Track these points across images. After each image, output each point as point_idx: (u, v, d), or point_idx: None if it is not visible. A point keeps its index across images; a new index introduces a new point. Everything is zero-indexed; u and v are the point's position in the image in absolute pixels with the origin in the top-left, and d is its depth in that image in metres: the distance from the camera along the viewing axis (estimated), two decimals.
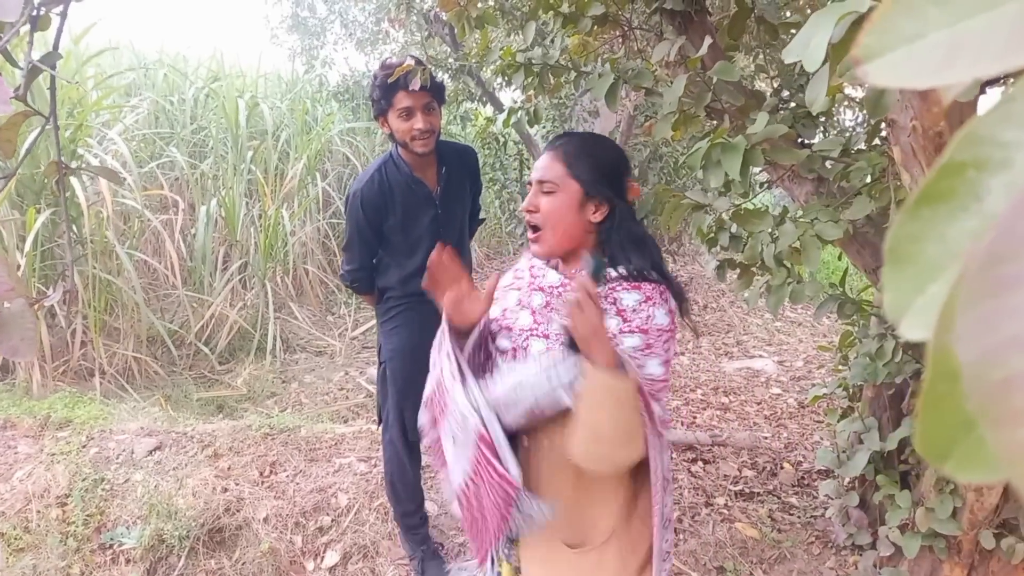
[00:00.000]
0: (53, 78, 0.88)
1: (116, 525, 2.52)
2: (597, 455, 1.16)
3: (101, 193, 4.15)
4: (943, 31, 0.21)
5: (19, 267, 3.69)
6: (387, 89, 2.03)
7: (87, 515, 2.55)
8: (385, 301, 2.30)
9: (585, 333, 1.10)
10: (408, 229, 2.19)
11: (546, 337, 1.29)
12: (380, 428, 2.44)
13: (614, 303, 1.23)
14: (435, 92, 2.09)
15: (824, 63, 0.72)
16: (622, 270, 1.26)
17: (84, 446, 2.87)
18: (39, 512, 2.56)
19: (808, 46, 0.68)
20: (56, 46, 0.89)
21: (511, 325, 1.35)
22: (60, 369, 3.95)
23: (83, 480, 2.66)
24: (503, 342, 1.36)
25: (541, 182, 1.30)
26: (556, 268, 1.36)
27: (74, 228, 4.29)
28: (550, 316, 1.31)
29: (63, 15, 0.88)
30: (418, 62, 2.00)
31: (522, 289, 1.39)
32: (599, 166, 1.29)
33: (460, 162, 2.29)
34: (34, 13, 0.79)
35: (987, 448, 0.17)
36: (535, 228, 1.31)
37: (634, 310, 1.21)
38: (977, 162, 0.19)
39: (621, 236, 1.29)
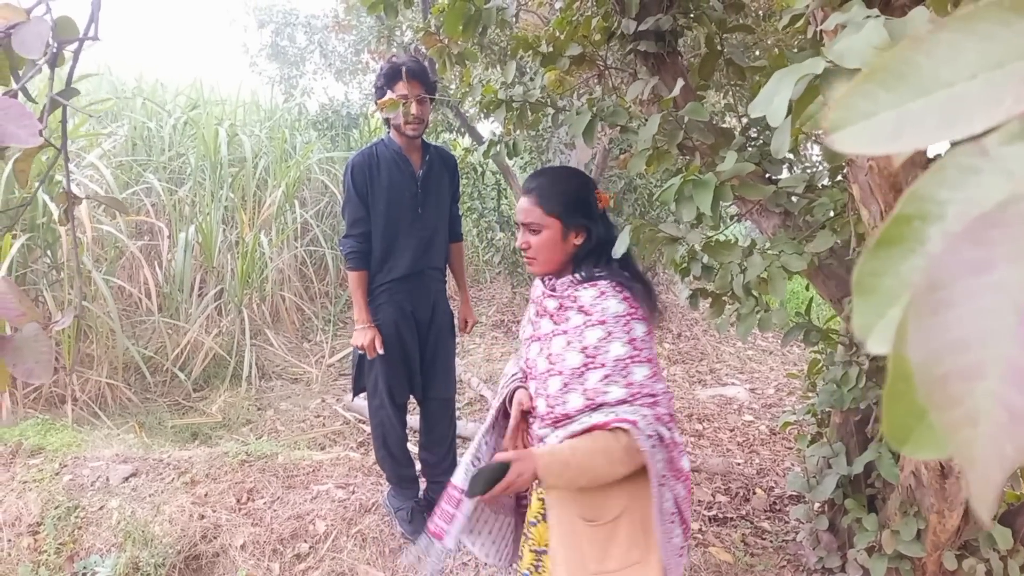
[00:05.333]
0: (65, 111, 0.93)
1: (90, 553, 2.49)
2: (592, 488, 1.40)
3: (77, 218, 4.13)
4: (891, 111, 0.28)
5: None
6: (389, 77, 2.35)
7: (60, 543, 2.52)
8: (371, 280, 2.51)
9: (521, 485, 1.32)
10: (391, 201, 2.44)
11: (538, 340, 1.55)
12: (370, 404, 2.63)
13: (575, 301, 1.44)
14: (428, 87, 2.40)
15: (786, 116, 0.80)
16: (585, 273, 1.48)
17: (57, 473, 2.83)
18: (10, 541, 2.52)
19: (772, 103, 0.76)
20: (69, 81, 0.94)
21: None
22: (31, 396, 3.90)
23: (56, 508, 2.63)
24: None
25: (526, 224, 1.50)
26: (544, 281, 1.58)
27: (48, 253, 4.27)
28: (539, 322, 1.55)
29: (77, 52, 0.93)
30: (420, 67, 2.33)
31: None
32: (570, 201, 1.50)
33: (441, 157, 2.60)
34: (54, 50, 0.84)
35: (935, 431, 0.24)
36: (531, 256, 1.53)
37: (592, 305, 1.41)
38: (920, 215, 0.26)
39: (595, 249, 1.51)
